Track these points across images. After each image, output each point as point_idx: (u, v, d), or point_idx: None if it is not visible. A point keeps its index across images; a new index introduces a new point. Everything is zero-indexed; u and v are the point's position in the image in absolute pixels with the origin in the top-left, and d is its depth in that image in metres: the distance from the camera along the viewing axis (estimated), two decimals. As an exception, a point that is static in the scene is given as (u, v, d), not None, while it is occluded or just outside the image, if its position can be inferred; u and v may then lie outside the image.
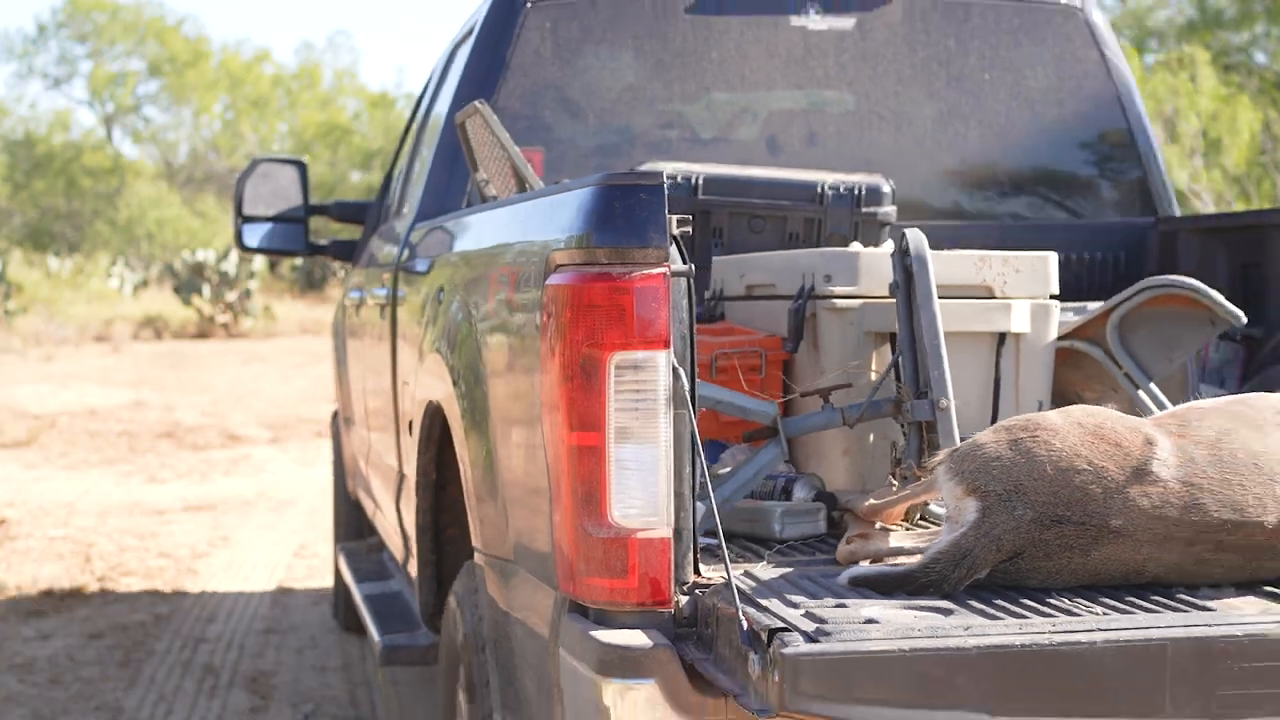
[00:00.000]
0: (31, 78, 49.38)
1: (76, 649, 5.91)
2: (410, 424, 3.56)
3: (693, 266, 2.30)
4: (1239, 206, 15.18)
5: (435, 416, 3.23)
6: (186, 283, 23.22)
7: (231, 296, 23.23)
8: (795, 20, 4.25)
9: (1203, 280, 3.66)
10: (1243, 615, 2.12)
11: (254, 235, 5.09)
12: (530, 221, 2.58)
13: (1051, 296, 3.26)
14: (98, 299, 27.09)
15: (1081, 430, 2.36)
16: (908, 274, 2.92)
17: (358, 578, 4.75)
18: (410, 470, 3.59)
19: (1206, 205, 15.39)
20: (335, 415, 6.21)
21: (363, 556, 5.20)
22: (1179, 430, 2.41)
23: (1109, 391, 3.39)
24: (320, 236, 5.60)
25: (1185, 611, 2.16)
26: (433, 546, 3.48)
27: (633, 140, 4.18)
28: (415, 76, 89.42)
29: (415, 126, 5.01)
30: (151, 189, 39.46)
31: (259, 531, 8.29)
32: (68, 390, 15.45)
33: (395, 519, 4.16)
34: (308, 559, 7.58)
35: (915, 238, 2.96)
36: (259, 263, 24.21)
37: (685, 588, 2.24)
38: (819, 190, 3.78)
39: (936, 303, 2.89)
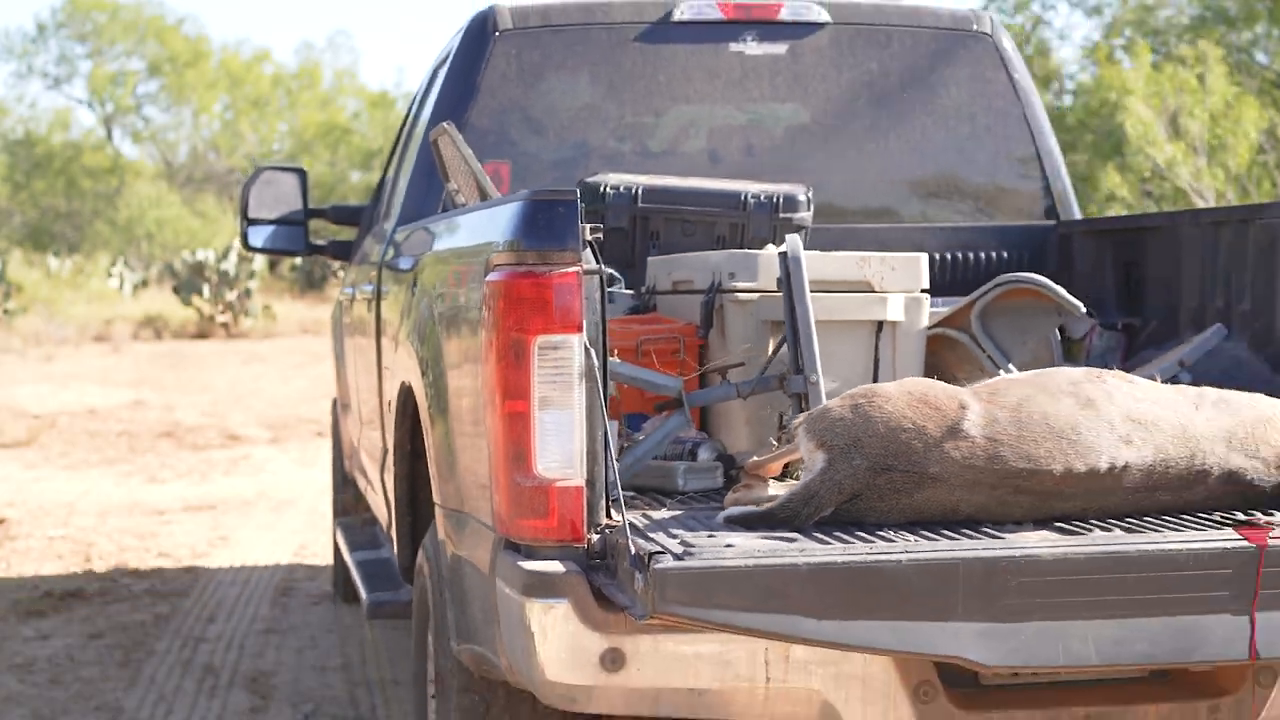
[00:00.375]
0: (31, 77, 49.35)
1: (76, 649, 5.90)
2: (390, 403, 4.04)
3: (603, 266, 2.80)
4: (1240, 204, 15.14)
5: (408, 394, 3.70)
6: (186, 282, 23.20)
7: (231, 296, 23.20)
8: (734, 46, 4.74)
9: (1093, 276, 4.49)
10: (1024, 542, 2.61)
11: (258, 236, 5.51)
12: (478, 228, 3.07)
13: (923, 290, 3.80)
14: (97, 299, 27.07)
15: (909, 397, 2.88)
16: (788, 272, 3.46)
17: (351, 547, 5.24)
18: (390, 444, 4.05)
19: (1208, 204, 15.38)
20: (335, 402, 6.57)
21: (357, 529, 5.61)
22: (988, 397, 2.91)
23: (976, 371, 3.85)
24: (320, 238, 5.91)
25: (979, 539, 2.65)
26: (408, 509, 3.93)
27: (589, 154, 4.66)
28: (415, 76, 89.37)
29: (403, 138, 5.41)
30: (151, 189, 39.44)
31: (259, 531, 8.28)
32: (68, 390, 15.45)
33: (381, 489, 4.57)
34: (308, 559, 7.58)
35: (792, 242, 3.51)
36: (259, 262, 24.23)
37: (597, 528, 2.70)
38: (742, 199, 4.30)
39: (808, 296, 3.44)
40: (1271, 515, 2.84)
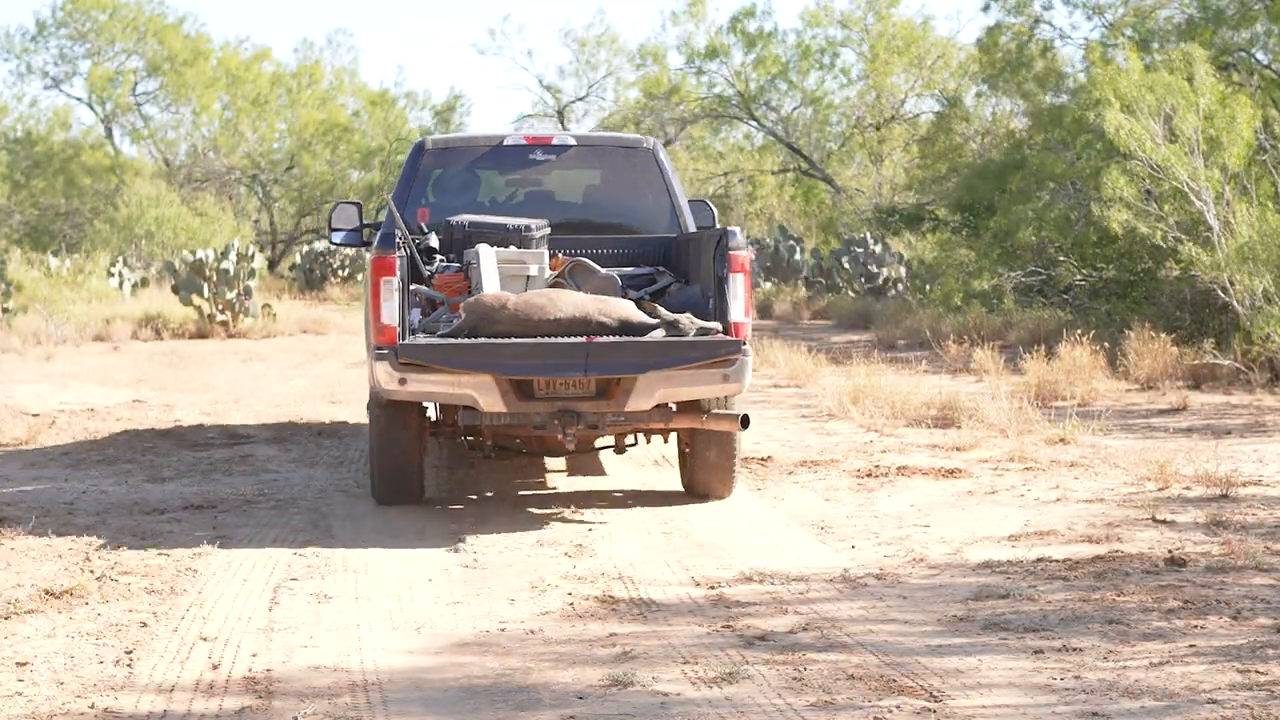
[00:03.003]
0: (31, 76, 49.25)
1: (76, 648, 5.91)
2: (365, 314, 9.54)
3: (406, 253, 8.80)
4: (1238, 204, 15.14)
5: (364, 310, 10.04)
6: (186, 281, 23.14)
7: (230, 295, 23.16)
8: (531, 155, 9.93)
9: (684, 259, 9.44)
10: (558, 341, 8.26)
11: (337, 237, 10.32)
12: (375, 240, 9.02)
13: (549, 263, 9.24)
14: (97, 298, 27.04)
15: (493, 295, 8.40)
16: (476, 257, 8.92)
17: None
18: (366, 328, 9.25)
19: (1207, 204, 15.37)
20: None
21: None
22: (520, 294, 8.45)
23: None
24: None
25: (503, 341, 8.29)
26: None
27: (466, 205, 9.87)
28: (415, 75, 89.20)
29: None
30: (151, 188, 39.39)
31: (259, 530, 8.29)
32: (67, 389, 15.45)
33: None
34: (307, 557, 7.59)
35: (481, 247, 8.95)
36: (258, 261, 24.28)
37: (403, 341, 8.28)
38: (508, 227, 9.28)
39: (484, 266, 8.82)
40: (611, 337, 8.23)
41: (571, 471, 10.19)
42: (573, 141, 10.08)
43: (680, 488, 9.32)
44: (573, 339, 8.19)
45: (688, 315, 8.37)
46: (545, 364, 8.11)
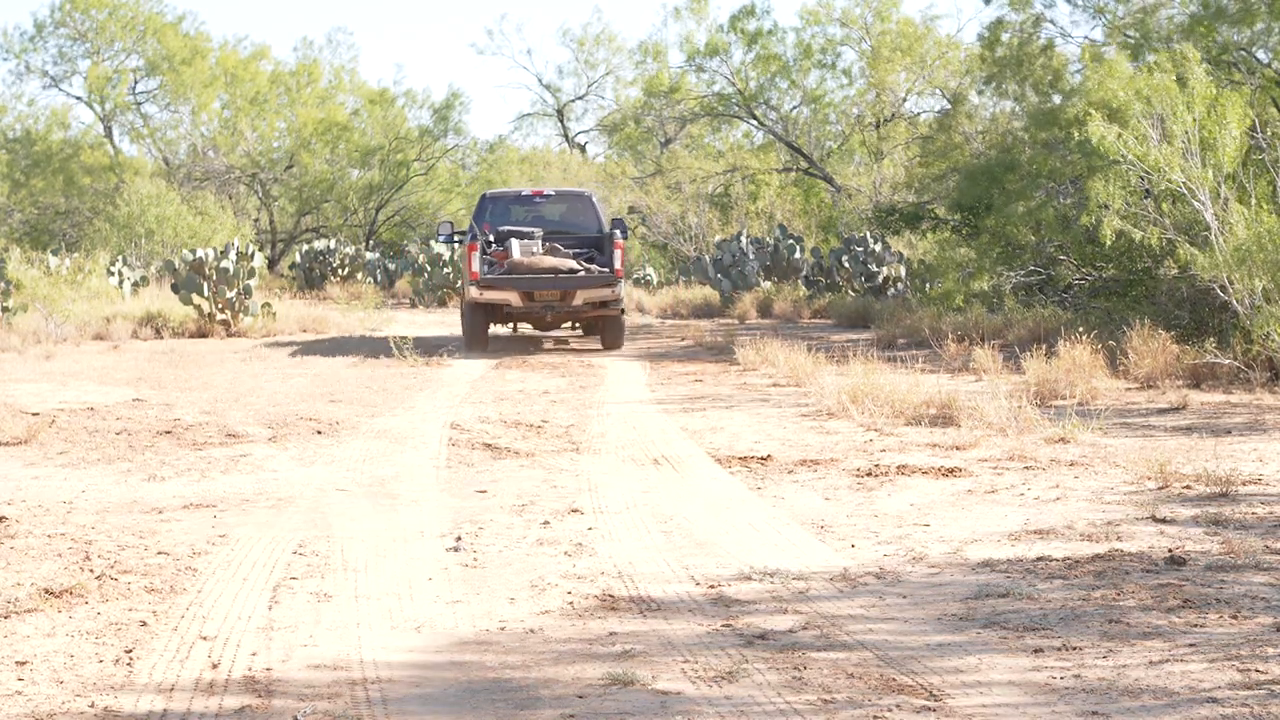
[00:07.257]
0: (30, 76, 49.23)
1: (75, 647, 5.91)
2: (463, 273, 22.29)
3: (482, 241, 20.62)
4: (1235, 204, 15.15)
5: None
6: (185, 280, 23.15)
7: (230, 294, 23.17)
8: (535, 200, 22.31)
9: (599, 245, 21.65)
10: (542, 275, 20.35)
11: (441, 238, 22.61)
12: (467, 238, 21.39)
13: (541, 245, 21.14)
14: (97, 297, 27.04)
15: (516, 258, 20.41)
16: (509, 243, 20.90)
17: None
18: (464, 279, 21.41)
19: (1204, 203, 15.37)
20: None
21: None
22: (527, 258, 20.73)
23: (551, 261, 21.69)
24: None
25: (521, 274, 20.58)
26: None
27: (507, 222, 21.53)
28: (414, 73, 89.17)
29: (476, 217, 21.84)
30: (150, 187, 39.39)
31: (258, 529, 8.29)
32: (67, 388, 15.44)
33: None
34: (307, 556, 7.58)
35: (511, 239, 20.82)
36: (258, 260, 24.28)
37: (480, 276, 20.13)
38: (522, 232, 21.01)
39: (512, 247, 20.65)
40: (569, 274, 20.21)
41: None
42: (553, 192, 22.41)
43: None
44: (547, 275, 19.68)
45: (594, 266, 20.23)
46: (537, 284, 19.63)
